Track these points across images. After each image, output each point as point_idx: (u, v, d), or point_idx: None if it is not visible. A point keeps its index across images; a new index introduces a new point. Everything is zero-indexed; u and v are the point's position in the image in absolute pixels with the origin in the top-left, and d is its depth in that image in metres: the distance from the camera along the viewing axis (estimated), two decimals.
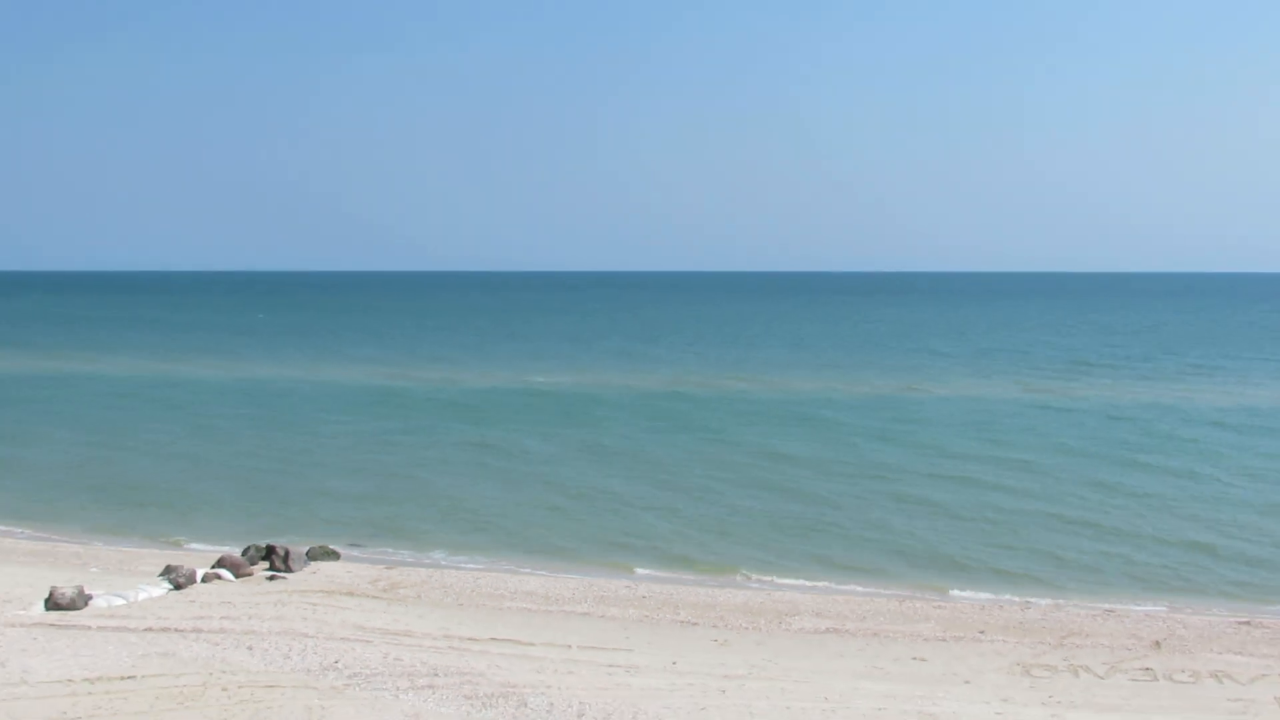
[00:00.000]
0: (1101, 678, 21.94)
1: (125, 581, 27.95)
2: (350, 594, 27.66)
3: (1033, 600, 29.18)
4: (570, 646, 23.17)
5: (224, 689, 19.50)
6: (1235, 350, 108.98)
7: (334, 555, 32.04)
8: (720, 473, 46.24)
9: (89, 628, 23.47)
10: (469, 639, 23.45)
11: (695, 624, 25.82)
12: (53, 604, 25.06)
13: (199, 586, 27.94)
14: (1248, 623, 26.75)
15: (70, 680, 19.80)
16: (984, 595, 29.85)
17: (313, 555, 31.46)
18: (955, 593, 30.14)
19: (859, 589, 30.44)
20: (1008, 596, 29.66)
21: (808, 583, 31.05)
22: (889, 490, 42.79)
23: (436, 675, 20.60)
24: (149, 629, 23.46)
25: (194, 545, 34.06)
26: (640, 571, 32.20)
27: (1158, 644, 24.45)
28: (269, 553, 30.53)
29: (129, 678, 20.01)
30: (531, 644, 23.24)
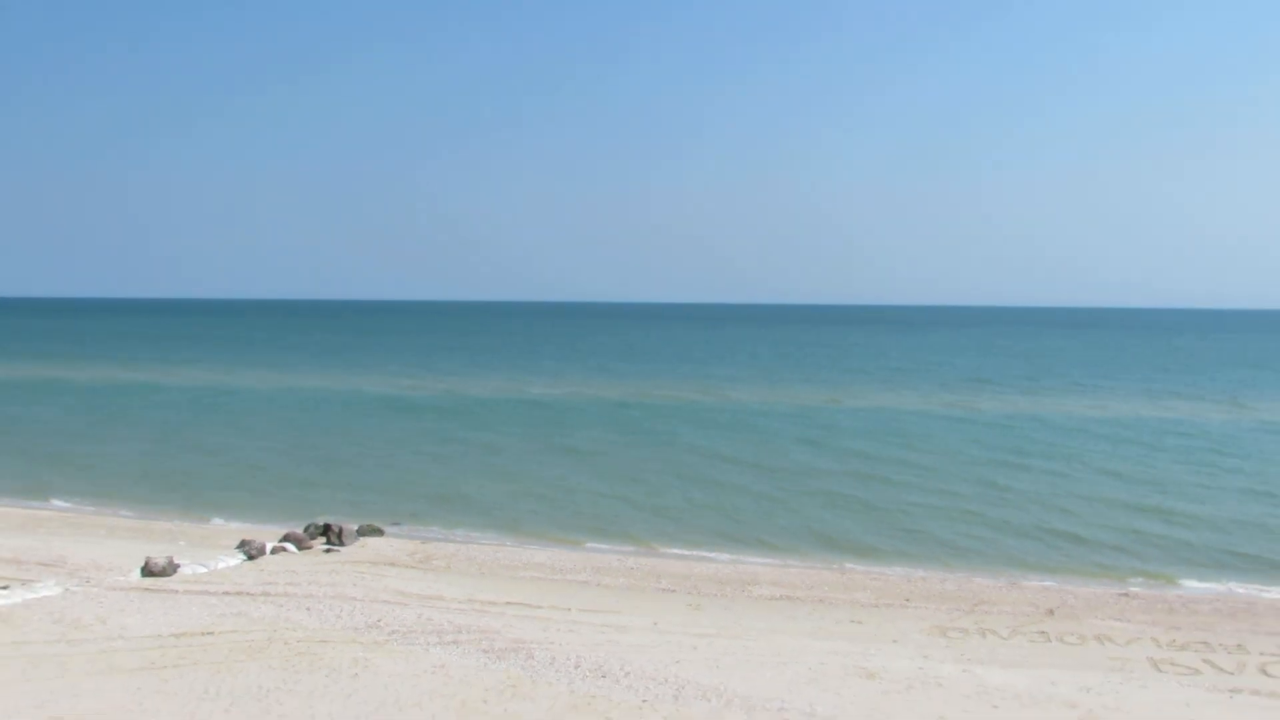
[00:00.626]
0: (1005, 639, 21.86)
1: (207, 553, 27.81)
2: (391, 564, 27.49)
3: (948, 574, 28.98)
4: (571, 609, 23.04)
5: (286, 643, 19.38)
6: (1110, 372, 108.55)
7: (379, 532, 31.88)
8: (678, 470, 46.00)
9: (176, 591, 23.37)
10: (488, 602, 23.32)
11: (673, 591, 25.66)
12: (147, 571, 24.94)
13: (268, 558, 27.78)
14: (1126, 594, 26.74)
15: (160, 635, 19.69)
16: (901, 570, 29.60)
17: (362, 532, 31.35)
18: (873, 570, 29.85)
19: (804, 564, 30.19)
20: (920, 573, 29.37)
21: (764, 558, 30.79)
22: (816, 486, 42.35)
23: (460, 633, 20.47)
24: (225, 592, 23.35)
25: (264, 522, 33.62)
26: (623, 548, 31.93)
27: (1051, 611, 24.32)
28: (326, 529, 30.45)
29: (208, 633, 19.89)
30: (539, 607, 23.10)
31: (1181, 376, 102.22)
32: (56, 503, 37.19)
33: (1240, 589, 27.66)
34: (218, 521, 34.31)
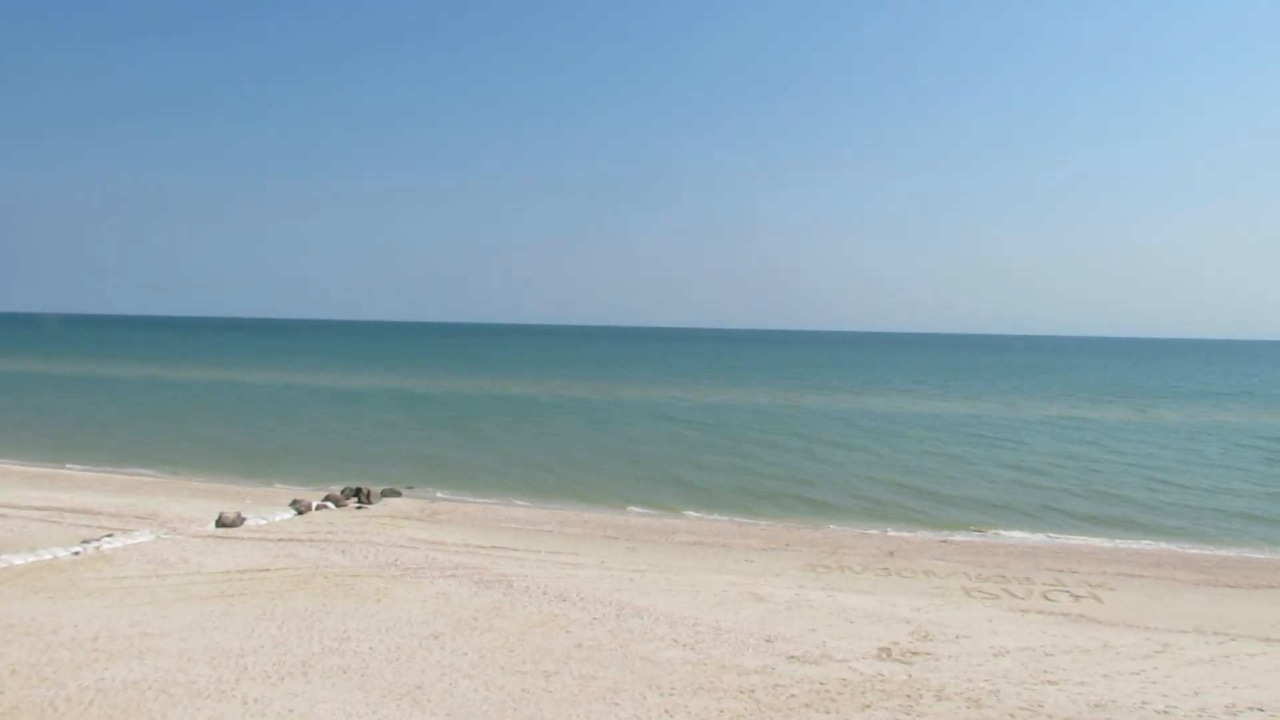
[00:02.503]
0: (858, 573, 21.90)
1: (267, 509, 27.17)
2: (406, 518, 27.03)
3: (817, 526, 29.01)
4: (540, 551, 22.75)
5: (326, 577, 18.97)
6: (919, 379, 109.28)
7: (397, 493, 31.32)
8: (604, 449, 45.64)
9: (242, 538, 22.80)
10: (478, 546, 22.98)
11: (616, 538, 25.48)
12: (220, 523, 24.34)
13: (313, 513, 27.23)
14: (945, 541, 26.87)
15: (229, 571, 19.20)
16: (780, 523, 29.56)
17: (385, 493, 30.82)
18: (761, 523, 29.79)
19: (709, 518, 30.08)
20: (794, 525, 29.30)
21: (681, 515, 30.62)
22: (702, 460, 42.09)
23: (457, 568, 20.15)
24: (280, 539, 22.82)
25: (310, 486, 32.94)
26: (583, 505, 31.60)
27: (891, 553, 24.43)
28: (357, 491, 29.91)
29: (266, 570, 19.42)
30: (516, 549, 22.80)
31: (971, 383, 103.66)
32: (150, 470, 36.23)
33: (1027, 536, 28.02)
34: (275, 485, 33.58)
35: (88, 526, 23.49)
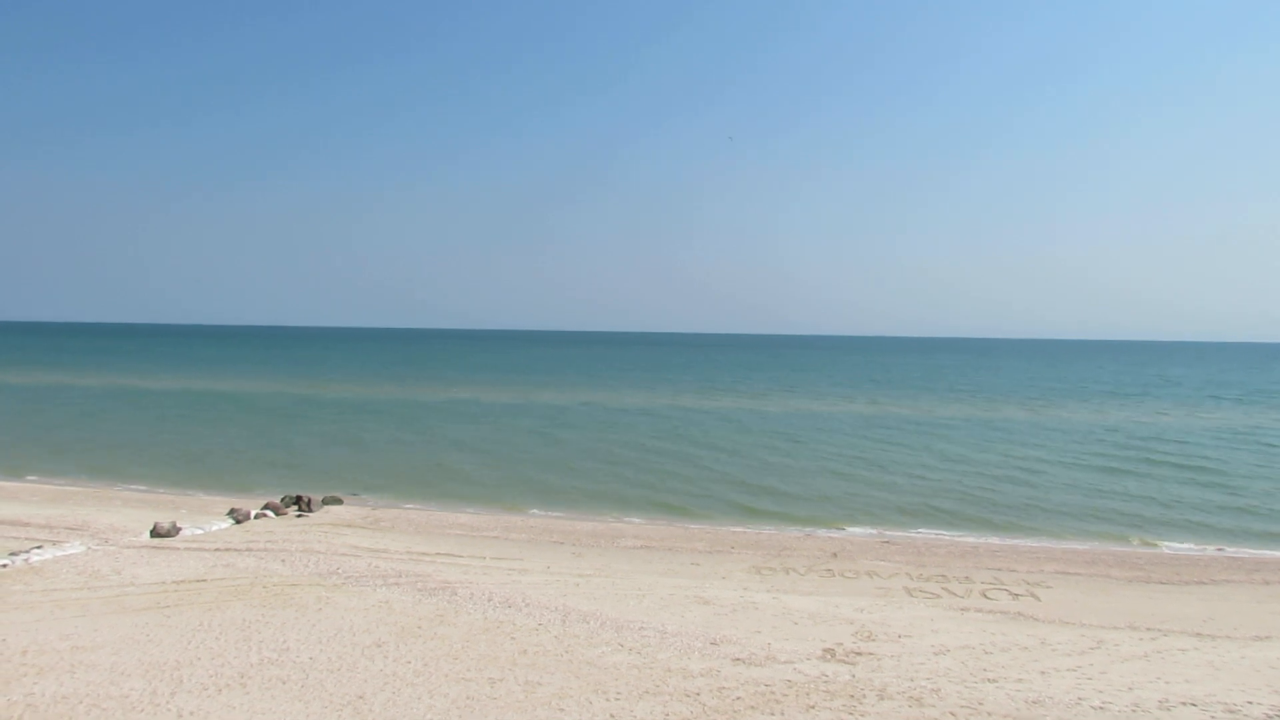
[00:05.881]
0: (802, 574, 22.06)
1: (204, 519, 26.57)
2: (349, 526, 26.60)
3: (762, 529, 29.18)
4: (485, 558, 22.55)
5: (265, 587, 18.58)
6: (840, 383, 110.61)
7: (339, 501, 30.86)
8: (556, 456, 45.44)
9: (178, 548, 22.23)
10: (422, 553, 22.70)
11: (562, 543, 25.34)
12: (155, 533, 23.72)
13: (252, 522, 26.65)
14: (888, 542, 27.16)
15: (163, 582, 18.71)
16: (725, 526, 29.68)
17: (326, 501, 30.33)
18: (706, 526, 29.87)
19: (654, 522, 30.10)
20: (739, 528, 29.46)
21: (628, 518, 30.61)
22: (653, 464, 42.31)
23: (400, 576, 19.88)
24: (217, 549, 22.29)
25: (249, 495, 32.23)
26: (528, 510, 31.38)
27: (835, 554, 24.66)
28: (297, 499, 29.37)
29: (202, 580, 18.96)
30: (461, 556, 22.57)
31: (890, 388, 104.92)
32: (80, 480, 35.15)
33: (966, 537, 28.47)
34: (212, 495, 32.82)
35: (15, 538, 22.72)
